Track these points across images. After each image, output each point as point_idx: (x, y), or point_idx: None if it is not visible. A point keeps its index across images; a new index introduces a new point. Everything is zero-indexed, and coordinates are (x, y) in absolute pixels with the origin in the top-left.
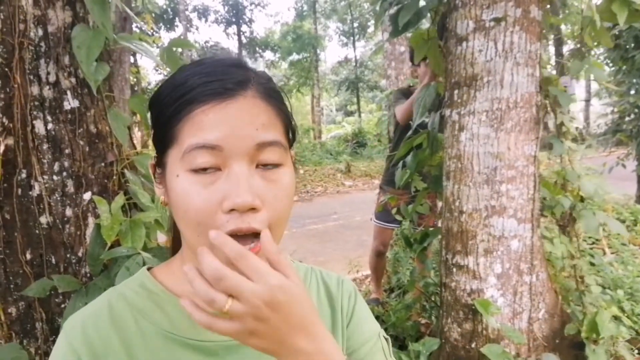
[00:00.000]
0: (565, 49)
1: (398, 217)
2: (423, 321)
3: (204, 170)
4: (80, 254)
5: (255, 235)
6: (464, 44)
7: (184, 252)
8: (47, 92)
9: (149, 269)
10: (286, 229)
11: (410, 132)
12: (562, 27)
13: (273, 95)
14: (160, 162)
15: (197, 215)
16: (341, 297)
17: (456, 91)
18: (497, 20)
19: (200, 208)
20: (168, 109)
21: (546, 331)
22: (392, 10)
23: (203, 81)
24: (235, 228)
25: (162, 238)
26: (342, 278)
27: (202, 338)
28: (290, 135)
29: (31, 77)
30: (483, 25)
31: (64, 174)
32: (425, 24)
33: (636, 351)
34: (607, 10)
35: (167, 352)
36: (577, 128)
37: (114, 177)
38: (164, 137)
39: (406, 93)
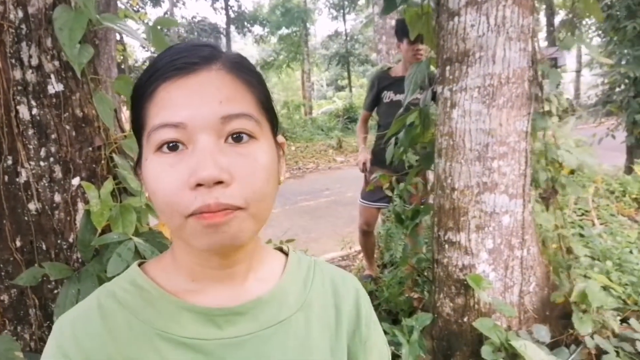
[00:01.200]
0: (557, 19)
1: (389, 193)
2: (415, 296)
3: (171, 149)
4: (71, 240)
5: (227, 208)
6: (456, 18)
7: (174, 243)
8: (30, 76)
9: (140, 264)
10: (278, 206)
11: (401, 110)
12: None
13: (242, 70)
14: (139, 153)
15: (165, 195)
16: (352, 300)
17: (448, 67)
18: None
19: (168, 188)
20: (137, 93)
21: (536, 304)
22: None
23: (169, 60)
24: (203, 204)
25: (153, 222)
26: (351, 277)
27: (196, 336)
28: (270, 115)
29: (13, 60)
30: (475, 0)
31: (51, 159)
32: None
33: (624, 322)
34: None
35: (160, 351)
36: (567, 99)
37: (102, 162)
38: (136, 122)
39: (381, 78)
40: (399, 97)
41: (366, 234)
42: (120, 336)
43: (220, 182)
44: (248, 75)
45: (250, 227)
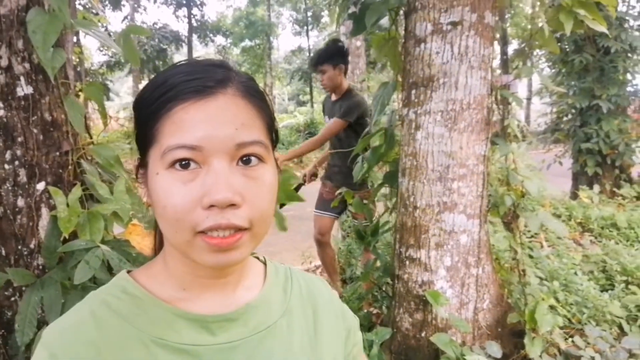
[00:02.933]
0: (510, 48)
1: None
2: (374, 311)
3: (183, 167)
4: (32, 246)
5: (235, 229)
6: (422, 45)
7: (166, 252)
8: (0, 78)
9: (128, 272)
10: None
11: (367, 129)
12: (508, 27)
13: (254, 94)
14: (142, 163)
15: (176, 211)
16: (327, 301)
17: (413, 91)
18: (454, 24)
19: (179, 204)
20: (148, 108)
21: (490, 320)
22: (353, 9)
23: (183, 79)
24: (215, 224)
25: (118, 230)
26: (322, 281)
27: (192, 342)
28: (273, 135)
29: None
30: (441, 29)
31: (16, 162)
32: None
33: (570, 339)
34: (555, 19)
35: (157, 358)
36: (518, 125)
37: (70, 167)
38: (145, 136)
39: (326, 103)
40: (328, 120)
41: (322, 244)
42: (115, 344)
43: (232, 205)
44: (258, 98)
45: (250, 248)
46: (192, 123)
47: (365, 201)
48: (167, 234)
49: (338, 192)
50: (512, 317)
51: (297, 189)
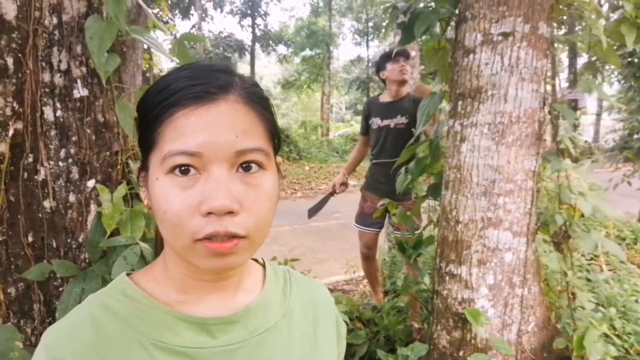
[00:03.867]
0: (580, 62)
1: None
2: (417, 326)
3: (183, 173)
4: (80, 240)
5: (233, 236)
6: (471, 56)
7: (166, 255)
8: (58, 80)
9: (128, 274)
10: (287, 224)
11: (412, 140)
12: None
13: (256, 101)
14: (144, 166)
15: (175, 217)
16: (326, 305)
17: (460, 102)
18: (505, 35)
19: (178, 210)
20: (151, 112)
21: (535, 344)
22: (402, 18)
23: (186, 84)
24: (213, 231)
25: None
26: (321, 286)
27: (192, 345)
28: (276, 141)
29: (43, 64)
30: (491, 39)
31: (70, 160)
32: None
33: None
34: (616, 31)
35: None
36: (585, 142)
37: (118, 167)
38: (146, 140)
39: (370, 104)
40: (386, 122)
41: (367, 258)
42: (115, 347)
43: (230, 212)
44: (261, 105)
45: (249, 254)
46: (192, 129)
47: (408, 213)
48: (167, 239)
49: (380, 203)
50: (558, 343)
51: (327, 199)
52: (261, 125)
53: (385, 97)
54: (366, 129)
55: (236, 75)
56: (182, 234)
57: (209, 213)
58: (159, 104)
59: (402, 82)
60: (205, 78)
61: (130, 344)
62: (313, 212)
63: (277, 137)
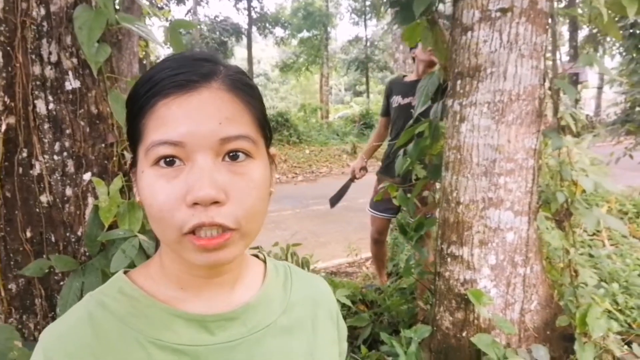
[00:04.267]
0: (581, 35)
1: (396, 204)
2: (423, 306)
3: (168, 164)
4: (79, 234)
5: (221, 227)
6: (469, 33)
7: (162, 251)
8: (49, 72)
9: (125, 272)
10: (289, 209)
11: (411, 121)
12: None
13: (241, 88)
14: (134, 160)
15: (161, 210)
16: (326, 302)
17: (459, 81)
18: (504, 11)
19: (164, 203)
20: (136, 104)
21: (537, 322)
22: None
23: (168, 74)
24: (199, 222)
25: None
26: (322, 281)
27: (190, 342)
28: (267, 131)
29: (33, 56)
30: (489, 16)
31: (65, 154)
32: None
33: (625, 346)
34: (617, 2)
35: (154, 359)
36: (587, 116)
37: (114, 159)
38: (133, 133)
39: (393, 83)
40: (407, 100)
41: (378, 242)
42: (112, 346)
43: (216, 202)
44: (246, 93)
45: (241, 247)
46: (174, 118)
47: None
48: (156, 233)
49: (381, 186)
50: (561, 320)
51: (347, 186)
52: (247, 112)
53: (411, 77)
54: (387, 109)
55: (221, 64)
56: (169, 227)
57: (195, 204)
58: (142, 95)
59: (431, 63)
60: (188, 67)
61: (128, 343)
62: (335, 200)
63: (267, 127)
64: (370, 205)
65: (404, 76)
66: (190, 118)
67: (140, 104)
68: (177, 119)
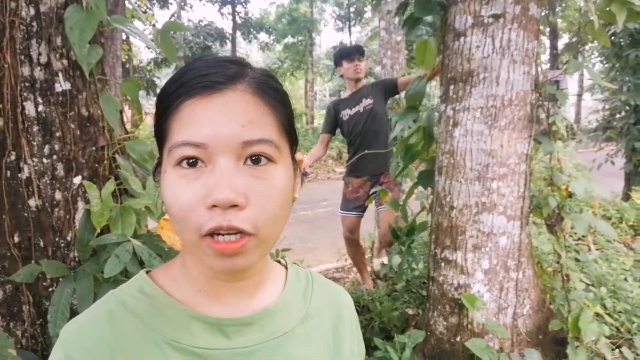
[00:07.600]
0: (561, 42)
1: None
2: (411, 312)
3: (190, 165)
4: (69, 238)
5: (240, 232)
6: (462, 39)
7: (185, 253)
8: (38, 74)
9: (147, 272)
10: None
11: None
12: (558, 20)
13: (267, 91)
14: (159, 161)
15: (181, 211)
16: (347, 312)
17: (452, 86)
18: (496, 17)
19: (184, 204)
20: (162, 104)
21: (530, 327)
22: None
23: (195, 75)
24: (216, 225)
25: (152, 224)
26: (344, 291)
27: (207, 346)
28: (292, 136)
29: (22, 57)
30: (481, 21)
31: (54, 157)
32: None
33: (617, 349)
34: (607, 10)
35: None
36: (567, 126)
37: (105, 162)
38: (159, 133)
39: (335, 104)
40: (355, 108)
41: (351, 242)
42: (130, 344)
43: (235, 206)
44: (272, 97)
45: (259, 253)
46: (197, 120)
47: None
48: (177, 234)
49: (372, 191)
50: (554, 324)
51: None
52: (272, 116)
53: (347, 93)
54: (333, 126)
55: (249, 67)
56: (188, 228)
57: (214, 206)
58: (169, 95)
59: (358, 80)
60: (216, 68)
61: (145, 342)
62: None
63: (293, 132)
64: (340, 207)
65: (341, 96)
66: (214, 120)
67: (166, 104)
68: (201, 120)
